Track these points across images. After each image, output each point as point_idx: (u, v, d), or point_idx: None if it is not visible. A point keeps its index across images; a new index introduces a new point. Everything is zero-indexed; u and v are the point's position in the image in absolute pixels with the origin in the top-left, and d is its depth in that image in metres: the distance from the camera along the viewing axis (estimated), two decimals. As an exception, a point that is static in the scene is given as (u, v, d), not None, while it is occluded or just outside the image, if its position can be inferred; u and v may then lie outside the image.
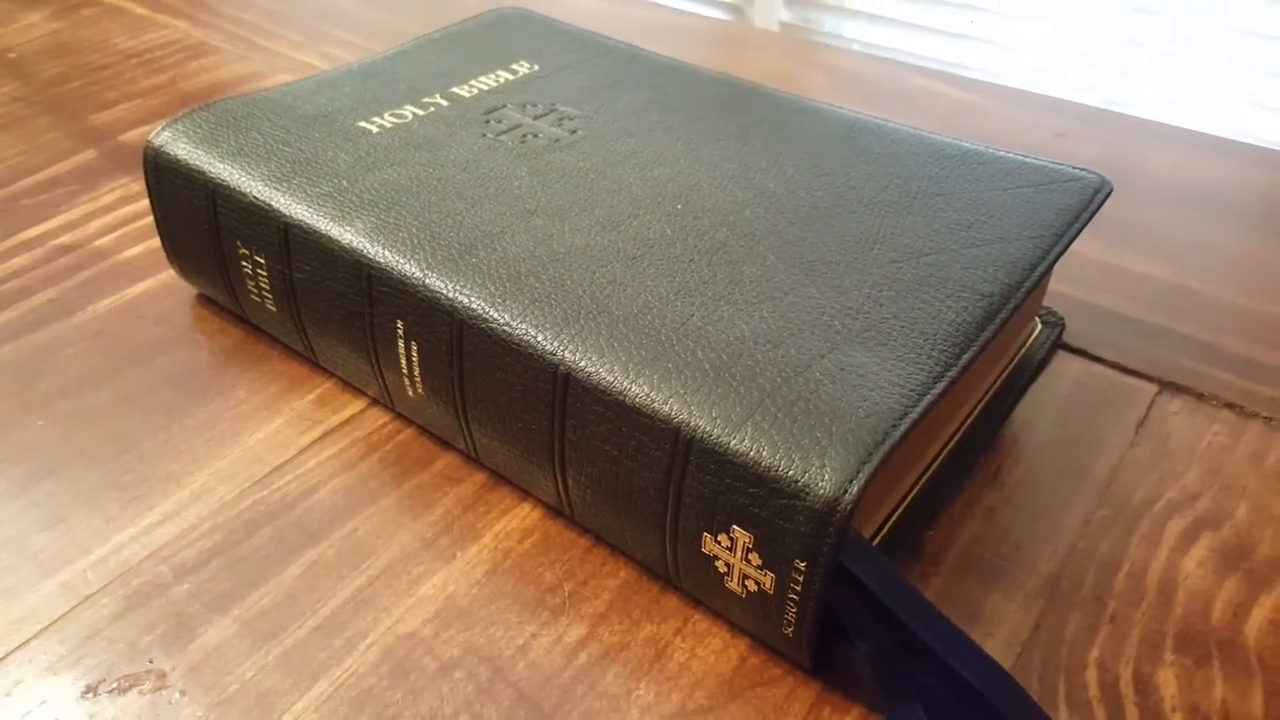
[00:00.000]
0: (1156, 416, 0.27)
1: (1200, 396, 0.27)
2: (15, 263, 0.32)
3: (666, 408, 0.19)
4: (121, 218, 0.34)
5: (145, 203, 0.34)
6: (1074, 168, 0.26)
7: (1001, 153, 0.27)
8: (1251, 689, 0.20)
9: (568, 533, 0.23)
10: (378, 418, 0.26)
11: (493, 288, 0.22)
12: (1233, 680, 0.20)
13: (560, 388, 0.20)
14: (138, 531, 0.23)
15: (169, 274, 0.31)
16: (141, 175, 0.35)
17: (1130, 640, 0.21)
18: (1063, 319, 0.29)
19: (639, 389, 0.19)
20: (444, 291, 0.22)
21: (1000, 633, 0.21)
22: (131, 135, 0.38)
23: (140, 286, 0.30)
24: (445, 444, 0.25)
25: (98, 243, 0.32)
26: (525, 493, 0.24)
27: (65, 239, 0.33)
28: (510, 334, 0.21)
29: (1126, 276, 0.32)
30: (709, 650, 0.21)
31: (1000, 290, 0.22)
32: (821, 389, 0.19)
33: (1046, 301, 0.30)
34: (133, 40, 0.45)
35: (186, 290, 0.30)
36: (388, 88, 0.29)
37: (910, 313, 0.21)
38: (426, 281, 0.22)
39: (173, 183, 0.27)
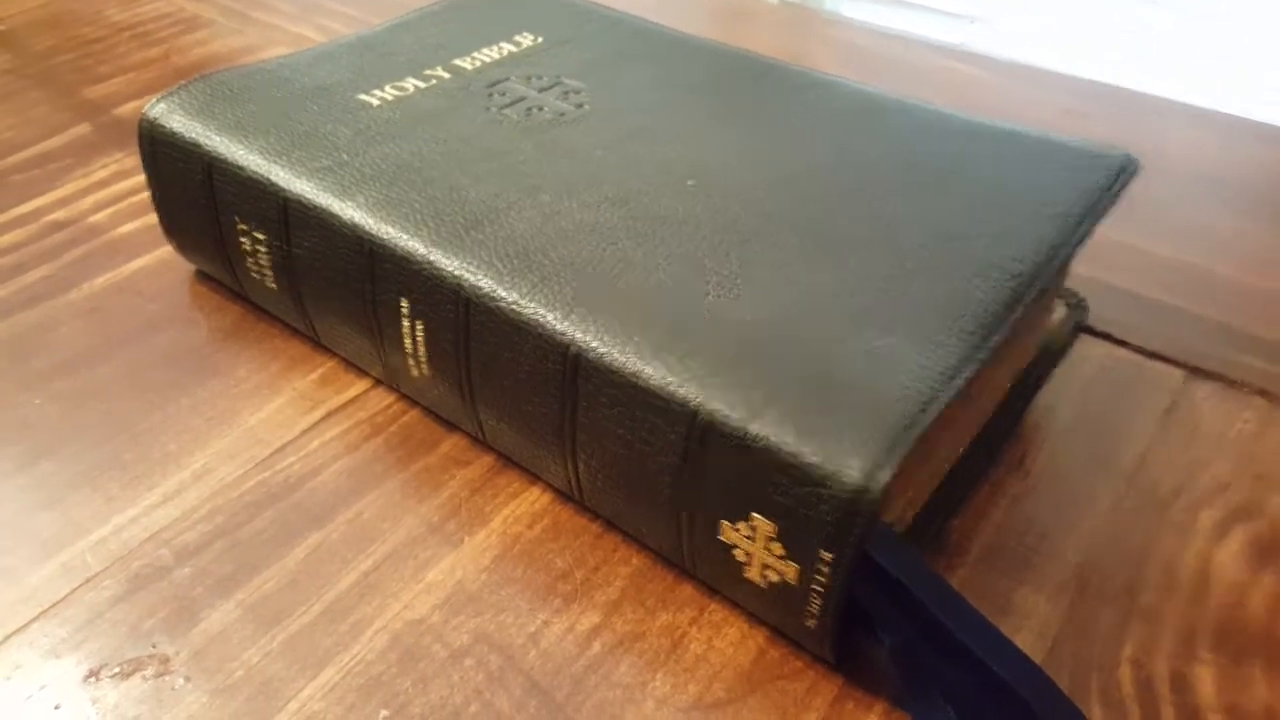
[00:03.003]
0: (1184, 403, 0.26)
1: (1229, 383, 0.26)
2: (7, 239, 0.31)
3: (683, 390, 0.18)
4: (116, 193, 0.33)
5: (140, 178, 0.33)
6: (1098, 146, 0.26)
7: (1023, 130, 0.26)
8: (1288, 684, 0.19)
9: (578, 518, 0.22)
10: (382, 398, 0.25)
11: (500, 265, 0.21)
12: (1275, 680, 0.19)
13: (571, 369, 0.20)
14: (138, 512, 0.22)
15: (166, 250, 0.30)
16: (136, 150, 0.35)
17: (1164, 636, 0.20)
18: (1085, 302, 0.28)
19: (654, 371, 0.19)
20: (449, 269, 0.21)
21: (1030, 626, 0.20)
22: (126, 109, 0.37)
23: (136, 263, 0.30)
24: (451, 426, 0.24)
25: (92, 219, 0.32)
26: (534, 476, 0.23)
27: (59, 215, 0.32)
28: (519, 313, 0.20)
29: (1148, 258, 0.31)
30: (726, 641, 0.20)
31: (1028, 270, 0.21)
32: (846, 372, 0.18)
33: (1068, 284, 0.29)
34: (125, 13, 0.44)
35: (184, 267, 0.29)
36: (387, 60, 0.28)
37: (935, 294, 0.20)
38: (431, 258, 0.21)
39: (169, 156, 0.26)
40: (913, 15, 1.04)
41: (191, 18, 0.44)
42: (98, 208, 0.32)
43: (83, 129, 0.36)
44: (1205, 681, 0.19)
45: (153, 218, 0.31)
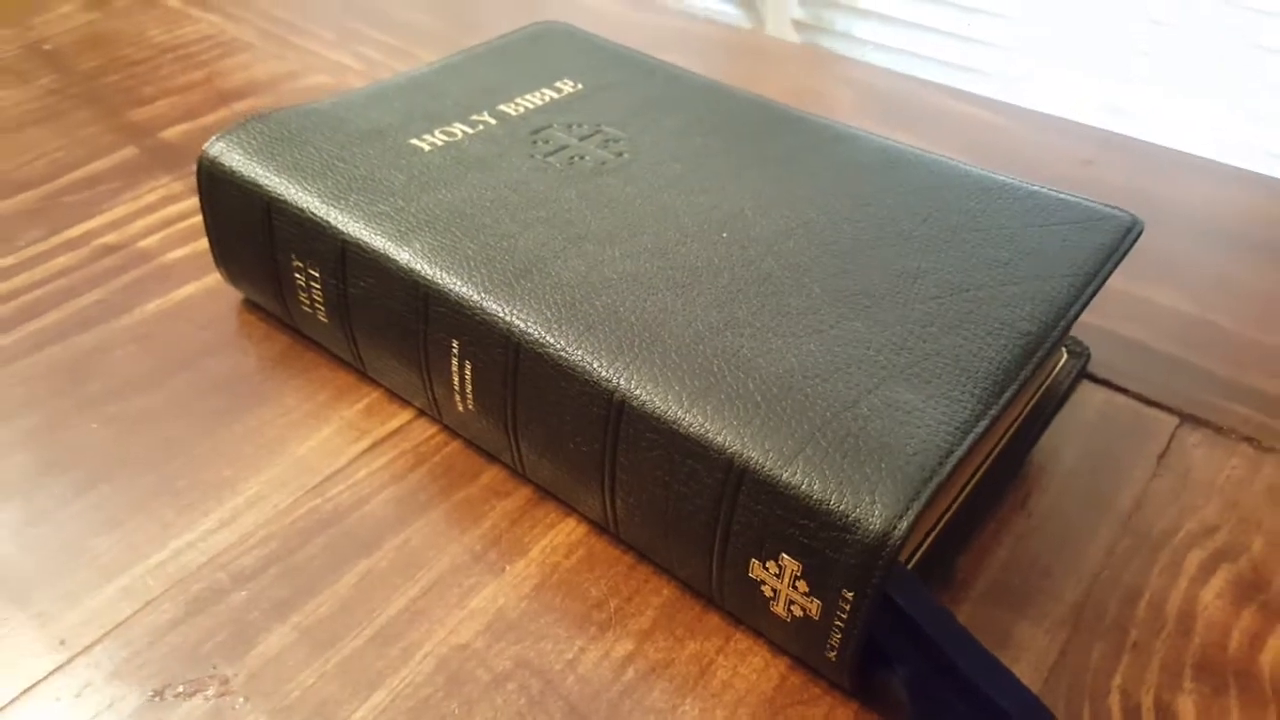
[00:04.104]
0: (1177, 449, 0.27)
1: (1220, 430, 0.28)
2: (61, 261, 0.32)
3: (720, 439, 0.20)
4: (164, 218, 0.34)
5: (188, 203, 0.35)
6: (1106, 205, 0.27)
7: (1035, 187, 0.28)
8: (1266, 717, 0.21)
9: (612, 549, 0.24)
10: (425, 429, 0.27)
11: (548, 313, 0.22)
12: (1248, 709, 0.21)
13: (615, 414, 0.21)
14: (195, 538, 0.24)
15: (214, 277, 0.31)
16: (183, 175, 0.36)
17: (1151, 668, 0.22)
18: (1088, 349, 0.30)
19: (693, 419, 0.20)
20: (501, 315, 0.22)
21: (1028, 658, 0.22)
22: (171, 133, 0.38)
23: (186, 289, 0.31)
24: (491, 457, 0.26)
25: (142, 243, 0.33)
26: (570, 508, 0.25)
27: (109, 238, 0.33)
28: (566, 359, 0.22)
29: (1150, 308, 0.33)
30: (750, 669, 0.21)
31: (1038, 329, 0.23)
32: (870, 425, 0.20)
33: (1072, 331, 0.31)
34: (167, 34, 0.45)
35: (232, 294, 0.31)
36: (436, 103, 0.30)
37: (952, 350, 0.22)
38: (484, 304, 0.23)
39: (227, 193, 0.27)
40: (922, 36, 1.06)
41: (231, 40, 0.45)
42: (147, 232, 0.33)
43: (130, 152, 0.37)
44: (1187, 710, 0.21)
45: (201, 244, 0.33)
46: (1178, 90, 0.91)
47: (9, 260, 0.32)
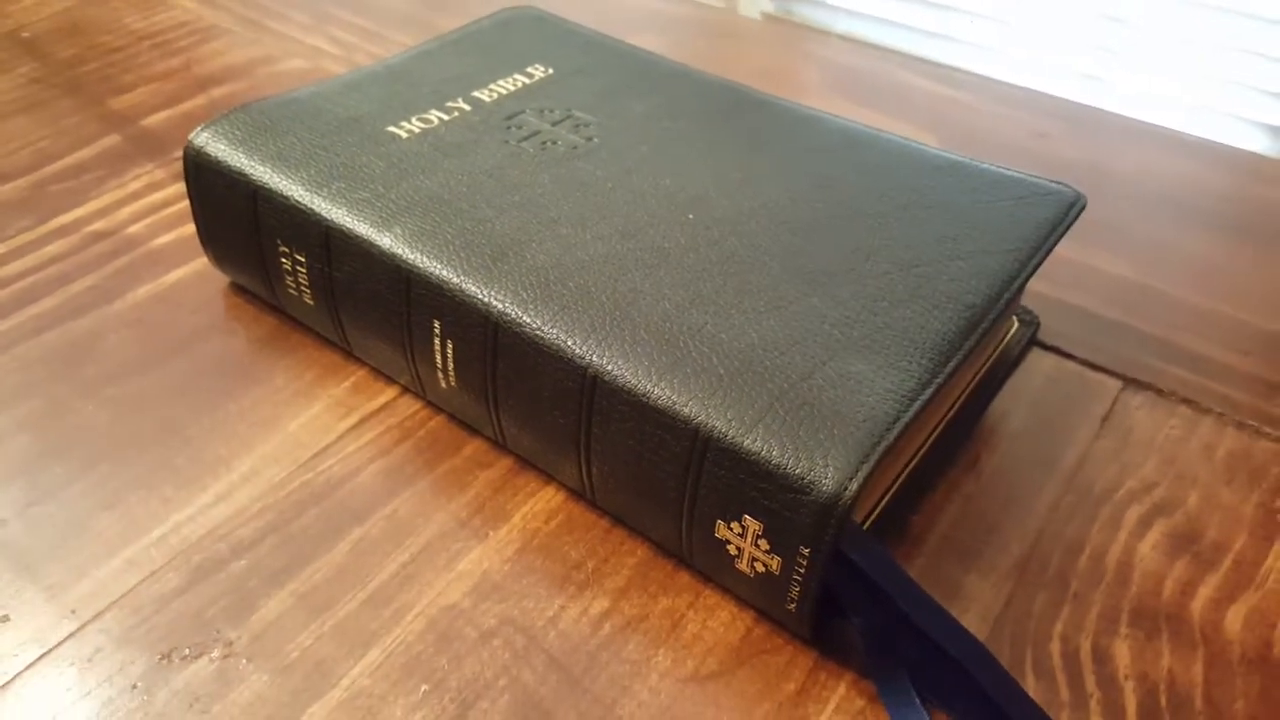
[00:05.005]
0: (1120, 410, 0.29)
1: (1160, 392, 0.30)
2: (52, 249, 0.33)
3: (687, 410, 0.21)
4: (150, 205, 0.35)
5: (172, 190, 0.36)
6: (1051, 181, 0.29)
7: (984, 165, 0.29)
8: (1194, 659, 0.23)
9: (589, 514, 0.25)
10: (409, 405, 0.28)
11: (524, 294, 0.24)
12: (1178, 652, 0.23)
13: (588, 388, 0.23)
14: (194, 511, 0.25)
15: (201, 262, 0.32)
16: (166, 162, 0.37)
17: (1090, 615, 0.24)
18: (1038, 318, 0.31)
19: (661, 392, 0.22)
20: (479, 296, 0.24)
21: (975, 608, 0.24)
22: (153, 120, 0.39)
23: (175, 274, 0.32)
24: (473, 430, 0.27)
25: (130, 230, 0.34)
26: (549, 477, 0.26)
27: (99, 225, 0.34)
28: (542, 338, 0.23)
29: (1098, 276, 0.34)
30: (718, 622, 0.23)
31: (983, 302, 0.24)
32: (824, 394, 0.21)
33: (1023, 300, 0.32)
34: (144, 21, 0.46)
35: (219, 278, 0.32)
36: (412, 90, 0.31)
37: (902, 322, 0.23)
38: (463, 287, 0.24)
39: (213, 182, 0.28)
40: (890, 2, 1.06)
41: (209, 27, 0.46)
42: (134, 219, 0.34)
43: (113, 140, 0.38)
44: (1122, 653, 0.23)
45: (187, 229, 0.34)
46: (1151, 58, 0.92)
47: (1, 249, 0.33)
